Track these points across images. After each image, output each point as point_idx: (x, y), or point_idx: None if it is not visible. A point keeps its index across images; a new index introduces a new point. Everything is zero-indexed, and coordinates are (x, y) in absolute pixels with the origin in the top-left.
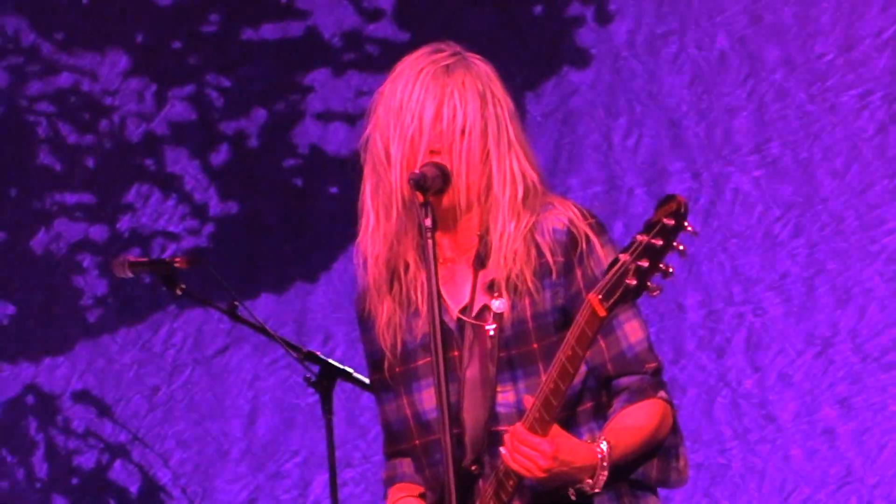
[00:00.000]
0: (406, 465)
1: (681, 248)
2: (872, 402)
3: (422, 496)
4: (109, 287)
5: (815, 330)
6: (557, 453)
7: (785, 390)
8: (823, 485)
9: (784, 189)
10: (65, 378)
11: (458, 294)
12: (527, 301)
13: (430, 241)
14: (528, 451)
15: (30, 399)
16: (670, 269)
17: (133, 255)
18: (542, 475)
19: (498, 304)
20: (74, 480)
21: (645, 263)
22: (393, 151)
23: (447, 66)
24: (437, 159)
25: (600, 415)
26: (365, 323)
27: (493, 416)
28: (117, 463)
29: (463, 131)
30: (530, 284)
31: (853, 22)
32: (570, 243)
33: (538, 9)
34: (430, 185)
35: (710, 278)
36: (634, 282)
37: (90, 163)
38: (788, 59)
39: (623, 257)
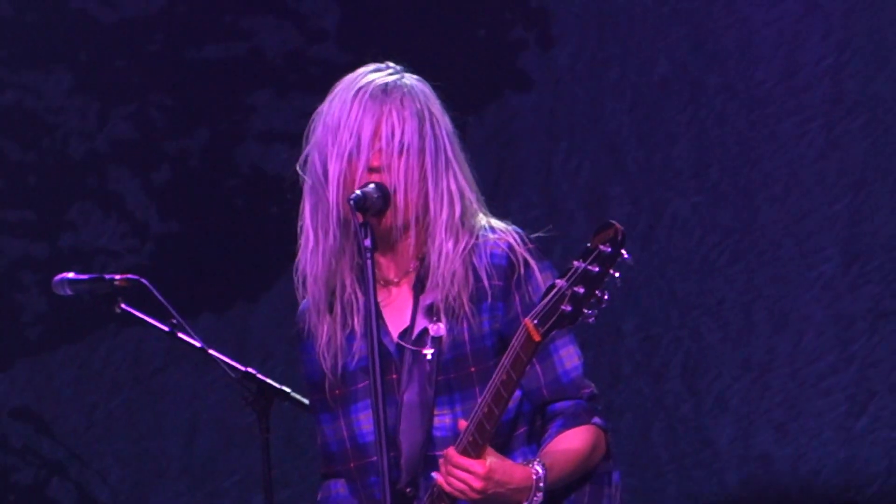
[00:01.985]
0: (340, 485)
1: (616, 275)
2: (808, 427)
3: None
4: (49, 304)
5: (752, 355)
6: (492, 474)
7: (721, 415)
8: None
9: (723, 215)
10: (3, 394)
11: (399, 317)
12: (464, 325)
13: (369, 262)
14: (462, 474)
15: None
16: (605, 297)
17: (73, 274)
18: (476, 496)
19: (436, 329)
20: (11, 497)
21: (581, 290)
22: (331, 169)
23: (386, 84)
24: (375, 178)
25: (534, 439)
26: (304, 343)
27: (429, 440)
28: (55, 480)
29: (401, 150)
30: (467, 308)
31: (794, 50)
32: (509, 268)
33: (482, 32)
34: (370, 206)
35: (648, 303)
36: (570, 308)
37: (32, 180)
38: (729, 86)
39: (559, 283)
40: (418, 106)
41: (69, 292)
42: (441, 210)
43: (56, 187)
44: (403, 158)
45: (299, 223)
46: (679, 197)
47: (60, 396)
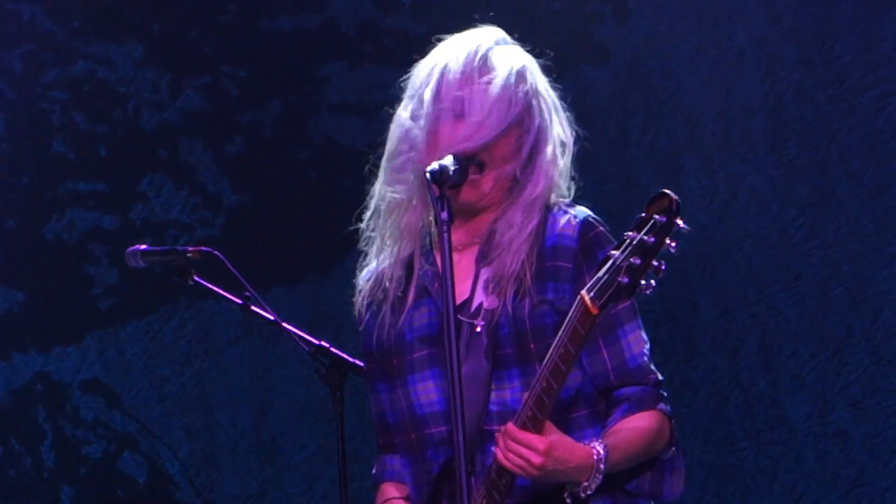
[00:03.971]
0: (394, 462)
1: (673, 244)
2: (885, 405)
3: (408, 497)
4: (121, 277)
5: (829, 332)
6: (551, 450)
7: (798, 392)
8: (835, 487)
9: (800, 189)
10: (74, 367)
11: (459, 287)
12: (526, 301)
13: (445, 235)
14: (521, 449)
15: (39, 388)
16: (662, 268)
17: (146, 245)
18: (535, 472)
19: (491, 302)
20: (82, 470)
21: (637, 261)
22: (422, 139)
23: (485, 58)
24: (464, 152)
25: (597, 422)
26: (364, 311)
27: (486, 415)
28: (126, 453)
29: (496, 131)
30: (531, 286)
31: (872, 23)
32: (580, 251)
33: (557, 4)
34: (447, 179)
35: (725, 278)
36: (627, 279)
37: (103, 151)
38: (807, 60)
39: (614, 254)
40: (518, 80)
41: (142, 264)
42: (524, 188)
43: (127, 159)
44: (498, 139)
45: (378, 187)
46: (756, 171)
47: (131, 369)
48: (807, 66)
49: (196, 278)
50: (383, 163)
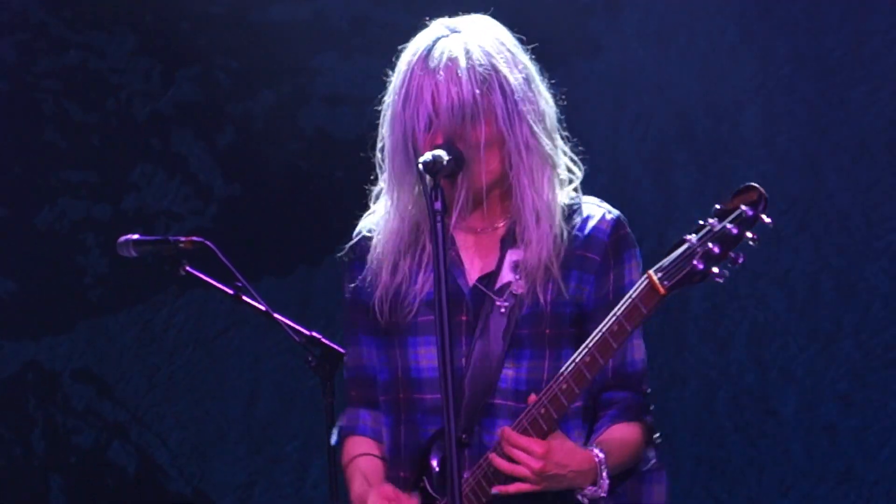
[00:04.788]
0: (368, 417)
1: (755, 238)
2: (874, 398)
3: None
4: (111, 266)
5: (819, 325)
6: (551, 455)
7: (787, 385)
8: (823, 481)
9: (790, 184)
10: (65, 356)
11: (481, 262)
12: (549, 286)
13: (439, 226)
14: (519, 454)
15: (29, 376)
16: (739, 260)
17: (138, 235)
18: (532, 476)
19: (519, 285)
20: (72, 459)
21: (716, 249)
22: (402, 139)
23: (441, 51)
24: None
25: (587, 418)
26: (359, 264)
27: (496, 389)
28: (116, 442)
29: (464, 118)
30: (556, 272)
31: (863, 18)
32: (611, 246)
33: None
34: (441, 169)
35: None
36: (701, 265)
37: (95, 141)
38: (798, 54)
39: (690, 239)
40: (477, 67)
41: (134, 254)
42: (520, 166)
43: (119, 149)
44: (469, 126)
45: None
46: (746, 165)
47: (122, 359)
48: (798, 61)
49: (188, 268)
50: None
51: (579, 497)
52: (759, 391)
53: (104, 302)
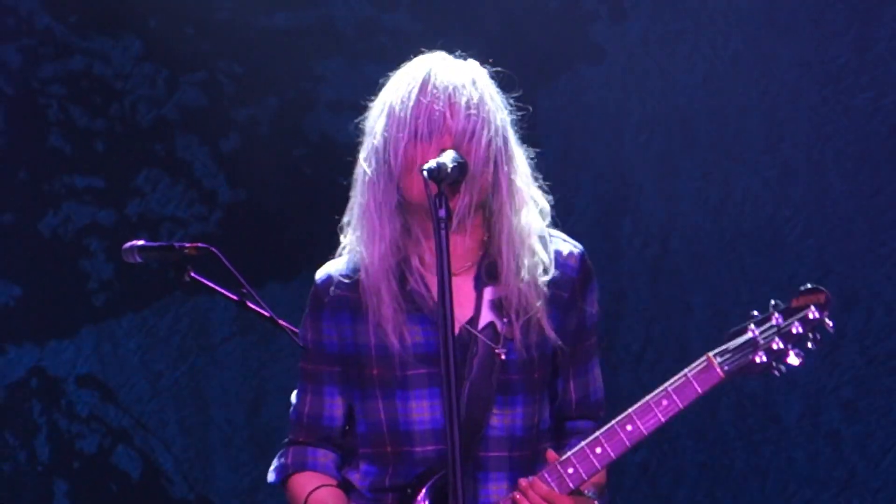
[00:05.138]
0: (321, 455)
1: (817, 338)
2: (877, 405)
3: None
4: (116, 271)
5: (822, 332)
6: None
7: (790, 392)
8: (826, 487)
9: (794, 190)
10: (70, 362)
11: (459, 309)
12: (533, 329)
13: (443, 233)
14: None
15: (34, 382)
16: (798, 361)
17: (144, 241)
18: None
19: (504, 327)
20: (76, 464)
21: (779, 345)
22: (401, 152)
23: (451, 71)
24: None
25: (552, 437)
26: (328, 311)
27: (482, 439)
28: (120, 448)
29: (472, 133)
30: (539, 313)
31: (867, 25)
32: (578, 281)
33: (553, 3)
34: (445, 177)
35: (718, 277)
36: (764, 359)
37: (100, 147)
38: (802, 61)
39: (754, 330)
40: (485, 90)
41: (139, 259)
42: (505, 201)
43: (124, 154)
44: (474, 142)
45: (353, 207)
46: (750, 172)
47: (126, 364)
48: (802, 67)
49: (192, 274)
50: (357, 174)
51: None
52: (762, 398)
53: (109, 307)
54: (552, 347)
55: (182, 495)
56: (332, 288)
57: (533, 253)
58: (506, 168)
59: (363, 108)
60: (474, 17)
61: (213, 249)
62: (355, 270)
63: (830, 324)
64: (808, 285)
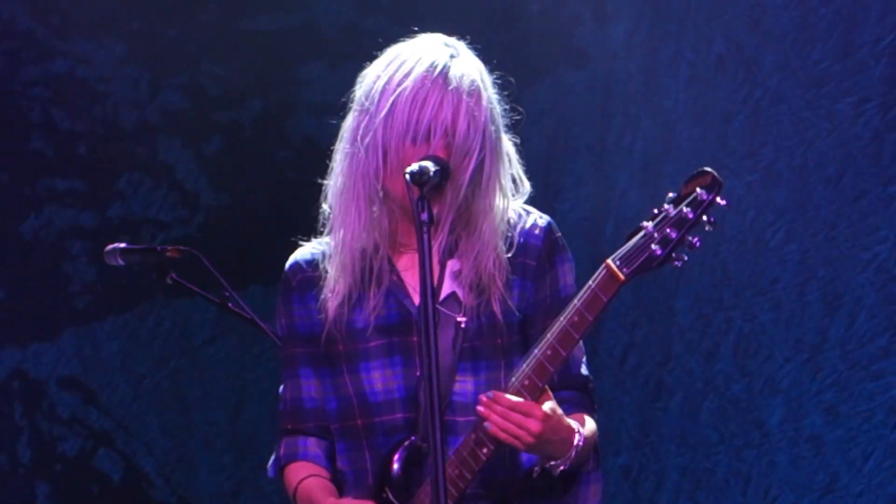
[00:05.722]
0: (312, 445)
1: (711, 220)
2: (859, 410)
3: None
4: (98, 274)
5: (804, 337)
6: (548, 419)
7: (772, 396)
8: (808, 492)
9: (777, 195)
10: (51, 364)
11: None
12: (496, 296)
13: (425, 237)
14: (518, 417)
15: (16, 384)
16: (697, 244)
17: (126, 243)
18: (530, 440)
19: (465, 295)
20: (58, 467)
21: (673, 233)
22: (392, 146)
23: (459, 70)
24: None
25: None
26: (297, 294)
27: (448, 405)
28: (101, 450)
29: (469, 149)
30: (500, 281)
31: (851, 29)
32: (544, 250)
33: (535, 6)
34: (428, 181)
35: (701, 282)
36: (660, 251)
37: (82, 149)
38: (785, 65)
39: (646, 226)
40: (486, 96)
41: (121, 262)
42: (486, 198)
43: (106, 157)
44: (467, 156)
45: (332, 178)
46: (733, 176)
47: (108, 367)
48: (785, 72)
49: (174, 277)
50: (336, 153)
51: (537, 468)
52: (744, 402)
53: (90, 310)
54: (518, 314)
55: (164, 498)
56: (299, 272)
57: (499, 230)
58: (492, 167)
59: (346, 111)
60: (456, 21)
61: (196, 252)
62: (320, 252)
63: (723, 202)
64: (696, 170)
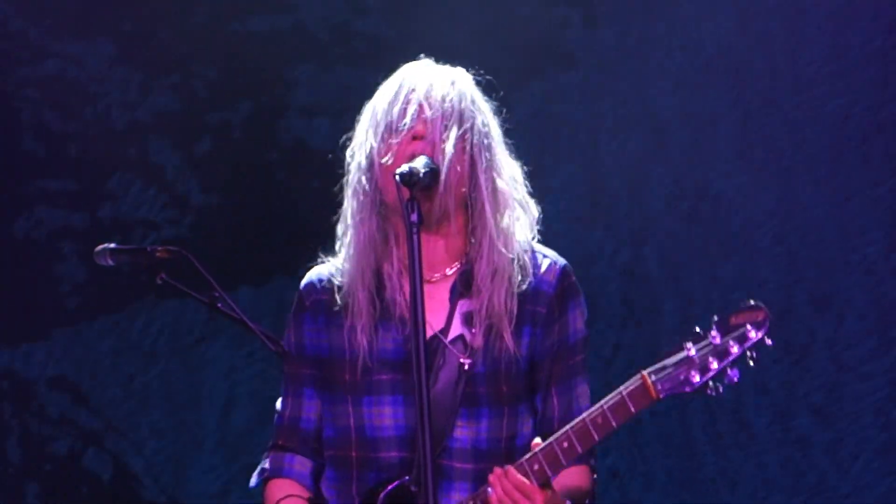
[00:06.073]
0: (298, 463)
1: (754, 356)
2: (847, 411)
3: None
4: (89, 274)
5: (793, 338)
6: None
7: (760, 398)
8: (796, 493)
9: (766, 196)
10: (41, 364)
11: (431, 317)
12: (504, 343)
13: (415, 237)
14: (519, 497)
15: (5, 384)
16: (735, 378)
17: (114, 244)
18: None
19: (473, 338)
20: (48, 467)
21: (714, 363)
22: (375, 145)
23: (433, 66)
24: (420, 150)
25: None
26: (311, 314)
27: (445, 450)
28: (91, 450)
29: (447, 121)
30: (510, 328)
31: (840, 31)
32: (556, 297)
33: (525, 9)
34: (418, 181)
35: (690, 283)
36: (698, 378)
37: (73, 150)
38: (774, 67)
39: (689, 348)
40: (466, 90)
41: (111, 262)
42: (486, 202)
43: (97, 158)
44: (449, 131)
45: (343, 215)
46: (722, 178)
47: (98, 367)
48: (774, 74)
49: (164, 277)
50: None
51: None
52: (732, 403)
53: (81, 310)
54: (525, 363)
55: (153, 498)
56: (313, 292)
57: (512, 260)
58: (485, 166)
59: (337, 113)
60: (447, 23)
61: (186, 253)
62: (336, 275)
63: (770, 342)
64: (751, 302)
